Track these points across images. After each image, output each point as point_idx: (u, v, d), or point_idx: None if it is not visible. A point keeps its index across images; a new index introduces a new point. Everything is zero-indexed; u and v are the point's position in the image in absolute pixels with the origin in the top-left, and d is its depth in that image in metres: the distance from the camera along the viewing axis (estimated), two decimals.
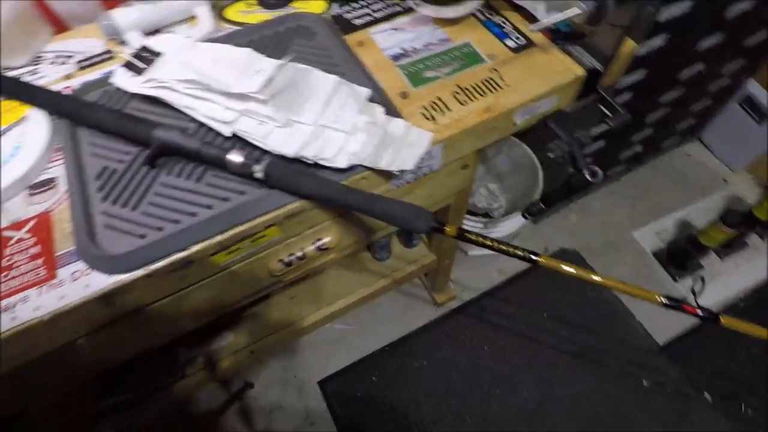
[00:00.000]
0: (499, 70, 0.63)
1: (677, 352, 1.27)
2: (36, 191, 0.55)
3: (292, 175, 0.49)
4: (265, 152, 0.53)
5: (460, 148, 0.62)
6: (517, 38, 0.66)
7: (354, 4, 0.71)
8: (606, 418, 1.19)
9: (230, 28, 0.70)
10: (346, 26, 0.68)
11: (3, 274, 0.49)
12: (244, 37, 0.67)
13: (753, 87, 1.35)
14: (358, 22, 0.69)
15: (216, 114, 0.53)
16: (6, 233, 0.52)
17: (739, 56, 1.16)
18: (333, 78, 0.55)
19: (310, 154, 0.51)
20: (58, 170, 0.56)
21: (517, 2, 0.66)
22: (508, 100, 0.60)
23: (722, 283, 1.35)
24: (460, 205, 0.85)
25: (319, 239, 0.62)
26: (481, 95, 0.60)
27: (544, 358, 1.28)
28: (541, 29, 0.55)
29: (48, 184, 0.56)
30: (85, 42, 0.69)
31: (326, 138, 0.52)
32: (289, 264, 0.61)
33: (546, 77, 0.62)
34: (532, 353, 1.29)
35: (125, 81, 0.59)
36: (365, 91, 0.56)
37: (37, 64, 0.67)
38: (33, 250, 0.50)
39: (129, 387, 0.98)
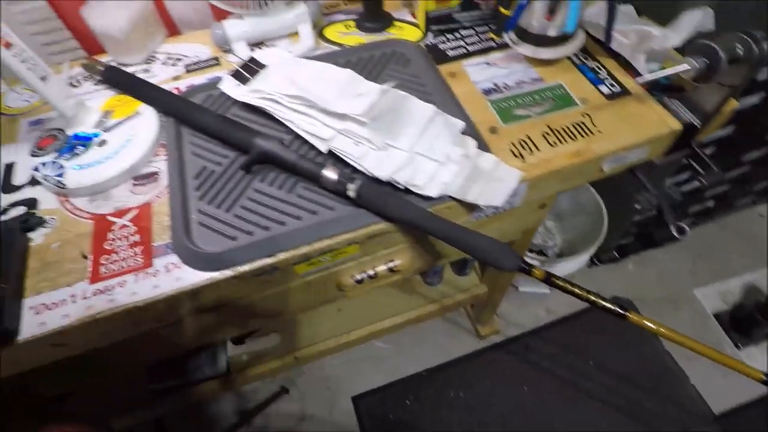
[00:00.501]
0: (592, 115, 0.62)
1: (734, 425, 1.18)
2: (140, 182, 0.59)
3: (384, 198, 0.50)
4: (357, 171, 0.55)
5: (543, 189, 0.61)
6: (612, 85, 0.65)
7: (449, 36, 0.73)
8: None
9: (329, 48, 0.73)
10: (440, 56, 0.70)
11: (104, 257, 0.52)
12: (342, 57, 0.69)
13: None
14: (451, 53, 0.70)
15: (315, 130, 0.56)
16: (110, 218, 0.56)
17: None
18: (430, 107, 0.56)
19: (402, 179, 0.52)
20: (160, 165, 0.60)
21: (615, 50, 0.65)
22: (599, 147, 0.59)
23: None
24: (525, 241, 0.84)
25: (392, 260, 0.62)
26: (571, 138, 0.60)
27: (586, 409, 1.22)
28: (647, 82, 0.54)
29: (151, 177, 0.59)
30: (193, 47, 0.74)
31: (418, 165, 0.53)
32: (359, 281, 0.62)
33: (639, 127, 0.61)
34: (574, 401, 1.24)
35: (231, 88, 0.63)
36: (459, 124, 0.57)
37: (150, 63, 0.72)
38: (133, 238, 0.54)
39: (174, 375, 1.02)
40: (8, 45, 0.52)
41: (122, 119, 0.62)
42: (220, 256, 0.51)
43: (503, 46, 0.71)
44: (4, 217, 0.57)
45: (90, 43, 0.76)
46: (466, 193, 0.52)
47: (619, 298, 1.38)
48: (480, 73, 0.68)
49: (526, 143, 0.60)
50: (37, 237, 0.55)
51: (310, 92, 0.56)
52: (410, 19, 0.76)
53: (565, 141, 0.60)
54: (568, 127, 0.61)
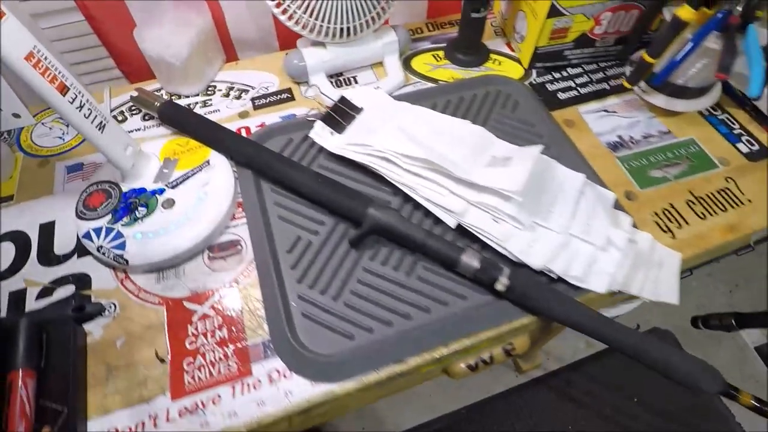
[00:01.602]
0: (735, 179, 0.55)
1: None
2: (218, 255, 0.48)
3: (541, 294, 0.41)
4: (497, 253, 0.46)
5: (687, 264, 0.54)
6: (750, 143, 0.58)
7: (555, 74, 0.64)
8: None
9: (419, 82, 0.63)
10: (549, 99, 0.61)
11: (187, 360, 0.42)
12: (439, 96, 0.60)
13: None
14: (562, 96, 0.62)
15: (441, 200, 0.46)
16: (187, 305, 0.45)
17: None
18: (580, 177, 0.47)
19: (557, 268, 0.43)
20: (241, 232, 0.50)
21: (754, 103, 0.58)
22: (754, 221, 0.52)
23: None
24: None
25: (510, 342, 0.54)
26: (720, 209, 0.52)
27: None
28: None
29: (231, 247, 0.49)
30: (259, 76, 0.63)
31: (575, 250, 0.44)
32: (473, 367, 0.53)
33: None
34: None
35: (325, 138, 0.52)
36: (610, 195, 0.48)
37: (209, 95, 0.61)
38: (220, 333, 0.43)
39: None
40: (64, 89, 0.40)
41: (190, 170, 0.51)
42: (338, 362, 0.41)
43: (618, 90, 0.62)
44: (47, 300, 0.45)
45: (132, 65, 0.63)
46: (630, 285, 0.44)
47: (659, 329, 1.33)
48: (600, 123, 0.59)
49: (671, 214, 0.52)
50: (94, 329, 0.43)
51: (436, 153, 0.46)
52: (508, 51, 0.67)
53: (715, 212, 0.52)
54: (713, 195, 0.53)
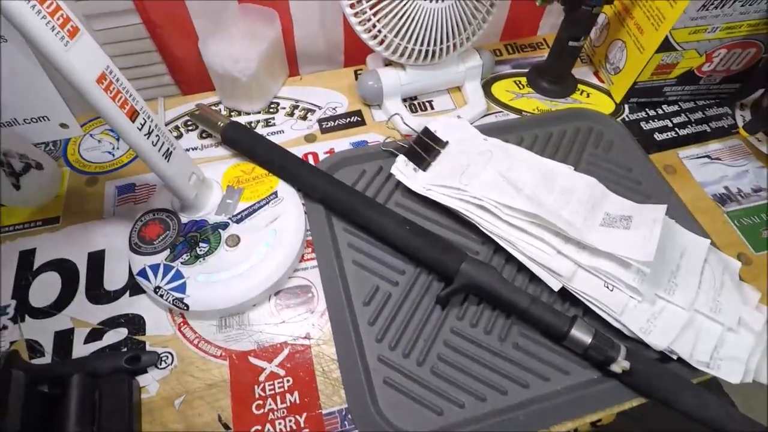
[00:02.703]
0: None
1: None
2: (286, 303, 0.43)
3: (668, 384, 0.36)
4: (591, 314, 0.40)
5: None
6: None
7: (650, 111, 0.58)
8: None
9: (501, 112, 0.57)
10: (645, 140, 0.55)
11: (255, 429, 0.37)
12: (525, 129, 0.54)
13: None
14: (659, 137, 0.56)
15: (544, 259, 0.40)
16: (253, 361, 0.40)
17: None
18: (705, 242, 0.42)
19: (681, 350, 0.37)
20: (310, 276, 0.44)
21: None
22: None
23: None
24: None
25: (599, 419, 0.48)
26: None
27: None
28: None
29: (301, 294, 0.43)
30: (325, 94, 0.58)
31: (699, 329, 0.38)
32: None
33: None
34: None
35: (408, 176, 0.47)
36: (735, 264, 0.42)
37: (272, 113, 0.55)
38: (291, 398, 0.38)
39: None
40: (134, 114, 0.35)
41: (256, 203, 0.46)
42: None
43: (720, 134, 0.57)
44: (97, 345, 0.40)
45: (188, 75, 0.58)
46: (760, 374, 0.38)
47: None
48: (703, 172, 0.53)
49: None
50: (150, 384, 0.38)
51: (545, 208, 0.41)
52: (596, 82, 0.61)
53: None
54: None
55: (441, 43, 0.50)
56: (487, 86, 0.59)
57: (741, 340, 0.38)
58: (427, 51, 0.51)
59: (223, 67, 0.50)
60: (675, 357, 0.38)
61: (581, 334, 0.37)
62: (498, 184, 0.43)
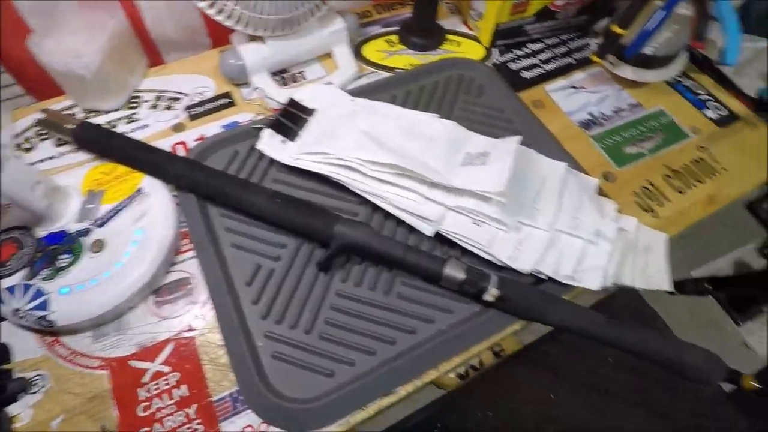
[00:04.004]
0: (708, 148, 0.53)
1: (743, 402, 1.23)
2: (165, 298, 0.41)
3: (536, 302, 0.38)
4: (469, 253, 0.42)
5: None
6: (717, 108, 0.56)
7: (517, 51, 0.60)
8: None
9: (374, 72, 0.57)
10: (514, 80, 0.57)
11: (143, 431, 0.36)
12: (398, 86, 0.54)
13: None
14: (527, 75, 0.58)
15: (416, 207, 0.41)
16: (134, 364, 0.38)
17: None
18: (562, 166, 0.44)
19: (547, 269, 0.39)
20: (189, 267, 0.43)
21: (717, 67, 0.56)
22: (731, 189, 0.50)
23: None
24: None
25: (498, 344, 0.51)
26: (699, 182, 0.51)
27: (612, 408, 1.21)
28: None
29: (180, 287, 0.42)
30: (191, 79, 0.55)
31: (564, 247, 0.41)
32: (464, 375, 0.50)
33: (763, 160, 0.53)
34: (599, 403, 1.22)
35: (275, 148, 0.46)
36: (593, 182, 0.45)
37: (134, 108, 0.52)
38: (179, 392, 0.37)
39: None
40: None
41: (120, 203, 0.43)
42: (320, 406, 0.36)
43: (584, 64, 0.59)
44: None
45: (35, 80, 0.54)
46: (622, 277, 0.41)
47: (625, 290, 1.37)
48: (569, 101, 0.56)
49: (650, 191, 0.50)
50: (23, 411, 0.36)
51: (408, 158, 0.41)
52: (466, 30, 0.62)
53: (693, 186, 0.50)
54: (689, 166, 0.52)
55: (294, 10, 0.49)
56: (358, 49, 0.59)
57: (600, 250, 0.41)
58: (282, 20, 0.50)
59: (64, 65, 0.47)
60: (544, 277, 0.40)
61: (454, 272, 0.39)
62: (362, 142, 0.43)
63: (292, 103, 0.48)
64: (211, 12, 0.47)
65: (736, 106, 0.57)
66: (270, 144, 0.46)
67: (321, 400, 0.37)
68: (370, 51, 0.59)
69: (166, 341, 0.39)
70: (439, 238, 0.43)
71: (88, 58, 0.47)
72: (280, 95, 0.50)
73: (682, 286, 0.77)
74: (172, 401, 0.37)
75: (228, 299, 0.40)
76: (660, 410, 1.21)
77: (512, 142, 0.41)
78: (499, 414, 1.19)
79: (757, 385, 0.38)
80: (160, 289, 0.42)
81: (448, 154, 0.42)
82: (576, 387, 1.24)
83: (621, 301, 1.36)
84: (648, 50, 0.51)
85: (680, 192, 0.50)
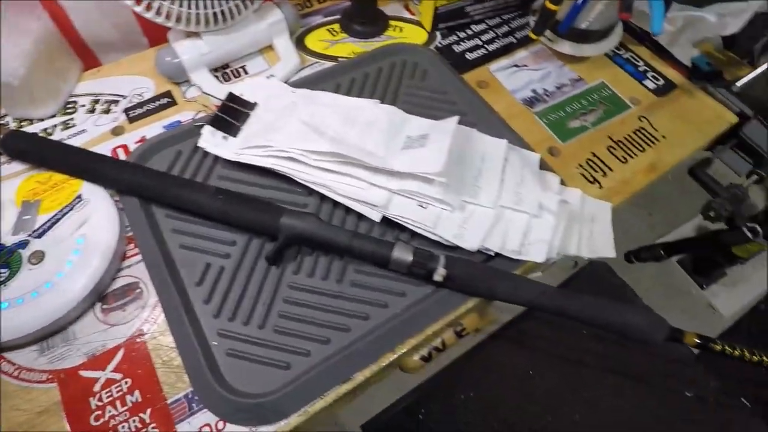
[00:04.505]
0: (648, 117, 0.55)
1: (712, 361, 1.28)
2: (113, 305, 0.40)
3: (484, 278, 0.39)
4: (420, 237, 0.42)
5: (616, 212, 0.53)
6: (656, 78, 0.58)
7: (460, 33, 0.60)
8: None
9: (317, 63, 0.57)
10: (458, 62, 0.57)
11: None
12: (342, 75, 0.54)
13: None
14: (470, 56, 0.58)
15: (361, 194, 0.41)
16: (84, 374, 0.37)
17: None
18: (503, 143, 0.44)
19: (493, 245, 0.40)
20: (137, 271, 0.42)
21: (657, 40, 0.58)
22: (670, 156, 0.52)
23: (745, 288, 1.38)
24: None
25: (459, 323, 0.52)
26: (639, 150, 0.52)
27: (589, 379, 1.25)
28: (745, 84, 0.46)
29: (128, 292, 0.41)
30: (129, 81, 0.53)
31: (509, 223, 0.41)
32: (428, 358, 0.51)
33: (700, 126, 0.55)
34: (576, 375, 1.25)
35: (217, 144, 0.45)
36: (534, 157, 0.46)
37: (69, 114, 0.51)
38: (132, 398, 0.37)
39: None
40: None
41: (58, 212, 0.42)
42: (278, 399, 0.36)
43: (526, 42, 0.60)
44: None
45: None
46: (568, 247, 0.42)
47: (594, 262, 1.41)
48: (512, 80, 0.57)
49: (594, 163, 0.51)
50: None
51: (347, 145, 0.41)
52: (408, 16, 0.62)
53: (635, 154, 0.52)
54: (630, 137, 0.53)
55: (226, 2, 0.48)
56: (300, 40, 0.58)
57: (544, 223, 0.42)
58: (215, 14, 0.49)
59: None
60: (492, 253, 0.41)
61: (402, 255, 0.39)
62: (302, 133, 0.42)
63: (231, 97, 0.47)
64: (139, 9, 0.45)
65: (673, 75, 0.59)
66: (211, 141, 0.45)
67: (278, 393, 0.37)
68: (313, 41, 0.58)
69: (117, 348, 0.39)
70: (390, 223, 0.43)
71: (12, 65, 0.45)
72: (220, 91, 0.49)
73: (638, 254, 0.79)
74: (126, 408, 0.36)
75: (178, 301, 0.40)
76: (634, 376, 1.26)
77: (451, 123, 0.41)
78: (480, 394, 1.22)
79: (697, 341, 0.39)
80: (107, 295, 0.41)
81: (388, 138, 0.42)
82: (554, 361, 1.28)
83: (590, 274, 1.41)
84: (583, 24, 0.52)
85: (623, 162, 0.51)
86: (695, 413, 1.22)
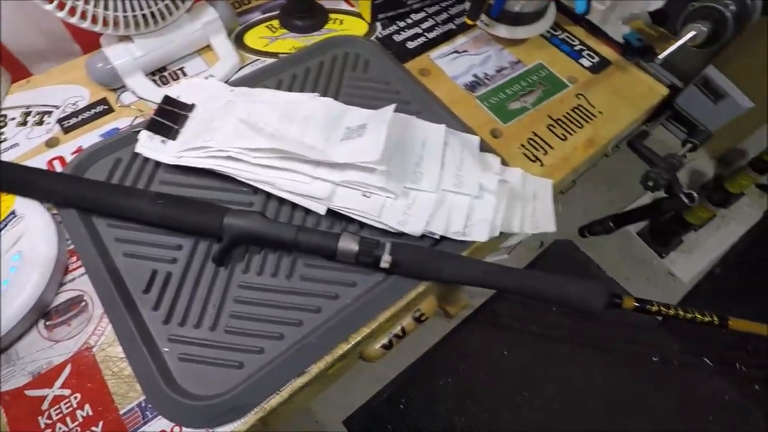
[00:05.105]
0: (585, 95, 0.57)
1: (674, 325, 1.35)
2: (57, 321, 0.39)
3: (430, 261, 0.39)
4: (369, 227, 0.43)
5: (558, 188, 0.55)
6: (591, 56, 0.60)
7: (401, 23, 0.60)
8: (627, 401, 1.23)
9: (257, 60, 0.56)
10: (400, 51, 0.58)
11: None
12: (283, 71, 0.54)
13: (709, 68, 1.44)
14: (411, 45, 0.59)
15: (304, 188, 0.41)
16: (31, 393, 0.37)
17: None
18: (441, 128, 0.45)
19: (437, 228, 0.41)
20: (81, 284, 0.41)
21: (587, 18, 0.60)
22: (607, 130, 0.54)
23: (700, 254, 1.45)
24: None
25: (417, 309, 0.52)
26: (578, 127, 0.54)
27: (560, 353, 1.29)
28: (667, 56, 0.49)
29: (72, 307, 0.40)
30: (62, 90, 0.52)
31: (451, 206, 0.42)
32: (389, 346, 0.51)
33: (634, 100, 0.57)
34: (548, 350, 1.30)
35: (156, 149, 0.44)
36: (474, 140, 0.47)
37: (0, 128, 0.49)
38: (82, 413, 0.36)
39: None
40: None
41: None
42: (233, 398, 0.36)
43: (465, 28, 0.61)
44: None
45: None
46: (511, 225, 0.44)
47: (559, 241, 1.45)
48: (454, 66, 0.57)
49: (536, 142, 0.52)
50: None
51: (286, 140, 0.41)
52: (347, 8, 0.62)
53: (574, 131, 0.54)
54: (569, 114, 0.55)
55: (155, 3, 0.47)
56: (239, 38, 0.57)
57: (485, 204, 0.43)
58: (145, 15, 0.47)
59: None
60: (438, 237, 0.42)
61: (348, 245, 0.39)
62: (240, 131, 0.42)
63: (168, 100, 0.46)
64: (62, 14, 0.44)
65: (608, 52, 0.61)
66: (149, 146, 0.44)
67: (232, 393, 0.37)
68: (252, 38, 0.57)
69: (64, 364, 0.38)
70: (339, 216, 0.43)
71: None
72: (157, 95, 0.48)
73: (591, 228, 0.82)
74: (77, 423, 0.35)
75: (124, 310, 0.39)
76: (603, 347, 1.31)
77: (387, 112, 0.42)
78: (458, 378, 1.25)
79: (636, 304, 0.41)
80: (50, 311, 0.40)
81: (326, 130, 0.42)
82: (526, 339, 1.32)
83: (556, 252, 1.45)
84: (516, 7, 0.54)
85: (563, 139, 0.53)
86: (661, 376, 1.29)
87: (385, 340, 0.51)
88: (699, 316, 0.40)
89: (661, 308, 0.40)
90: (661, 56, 0.45)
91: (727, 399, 1.24)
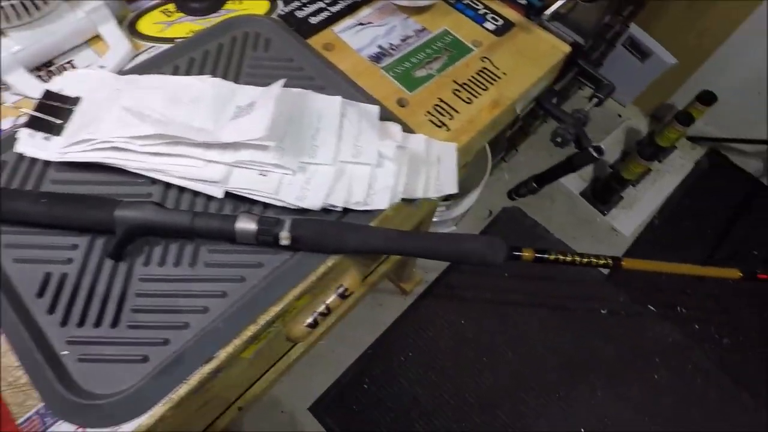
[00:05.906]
0: (490, 57, 0.58)
1: (619, 277, 1.41)
2: None
3: (332, 234, 0.39)
4: (272, 207, 0.42)
5: (470, 151, 0.56)
6: (495, 19, 0.61)
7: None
8: (581, 356, 1.29)
9: (153, 47, 0.54)
10: (303, 27, 0.57)
11: None
12: (180, 56, 0.52)
13: (634, 29, 1.49)
14: (315, 20, 0.58)
15: (198, 173, 0.40)
16: None
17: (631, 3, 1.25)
18: (337, 99, 0.44)
19: (338, 201, 0.41)
20: None
21: None
22: (511, 91, 0.55)
23: (639, 207, 1.52)
24: (434, 204, 0.81)
25: (340, 285, 0.53)
26: (483, 89, 0.55)
27: (516, 317, 1.34)
28: (553, 12, 0.50)
29: None
30: None
31: (351, 177, 0.42)
32: (313, 324, 0.51)
33: (537, 59, 0.58)
34: (504, 315, 1.34)
35: (39, 148, 0.42)
36: (374, 109, 0.47)
37: None
38: None
39: None
40: None
41: None
42: (138, 391, 0.36)
43: (368, 0, 0.60)
44: None
45: None
46: (415, 190, 0.44)
47: (507, 208, 1.48)
48: (358, 38, 0.57)
49: (442, 108, 0.53)
50: None
51: (173, 124, 0.40)
52: None
53: (479, 94, 0.54)
54: (474, 78, 0.56)
55: None
56: (132, 25, 0.55)
57: (386, 172, 0.43)
58: (13, 6, 0.44)
59: None
60: (340, 209, 0.42)
61: (245, 225, 0.39)
62: (124, 119, 0.40)
63: (49, 95, 0.44)
64: None
65: (511, 14, 0.62)
66: (31, 144, 0.42)
67: (137, 386, 0.36)
68: (146, 25, 0.55)
69: None
70: (242, 199, 0.43)
71: None
72: (33, 90, 0.45)
73: (517, 191, 0.84)
74: None
75: (15, 317, 0.37)
76: (555, 305, 1.37)
77: (275, 87, 0.41)
78: (418, 352, 1.27)
79: (537, 255, 0.43)
80: None
81: (215, 111, 0.41)
82: (482, 307, 1.35)
83: (506, 219, 1.49)
84: None
85: (468, 102, 0.54)
86: (611, 327, 1.35)
87: (310, 319, 0.51)
88: (594, 260, 0.42)
89: (559, 256, 0.41)
90: (547, 12, 0.46)
91: (670, 341, 1.32)
